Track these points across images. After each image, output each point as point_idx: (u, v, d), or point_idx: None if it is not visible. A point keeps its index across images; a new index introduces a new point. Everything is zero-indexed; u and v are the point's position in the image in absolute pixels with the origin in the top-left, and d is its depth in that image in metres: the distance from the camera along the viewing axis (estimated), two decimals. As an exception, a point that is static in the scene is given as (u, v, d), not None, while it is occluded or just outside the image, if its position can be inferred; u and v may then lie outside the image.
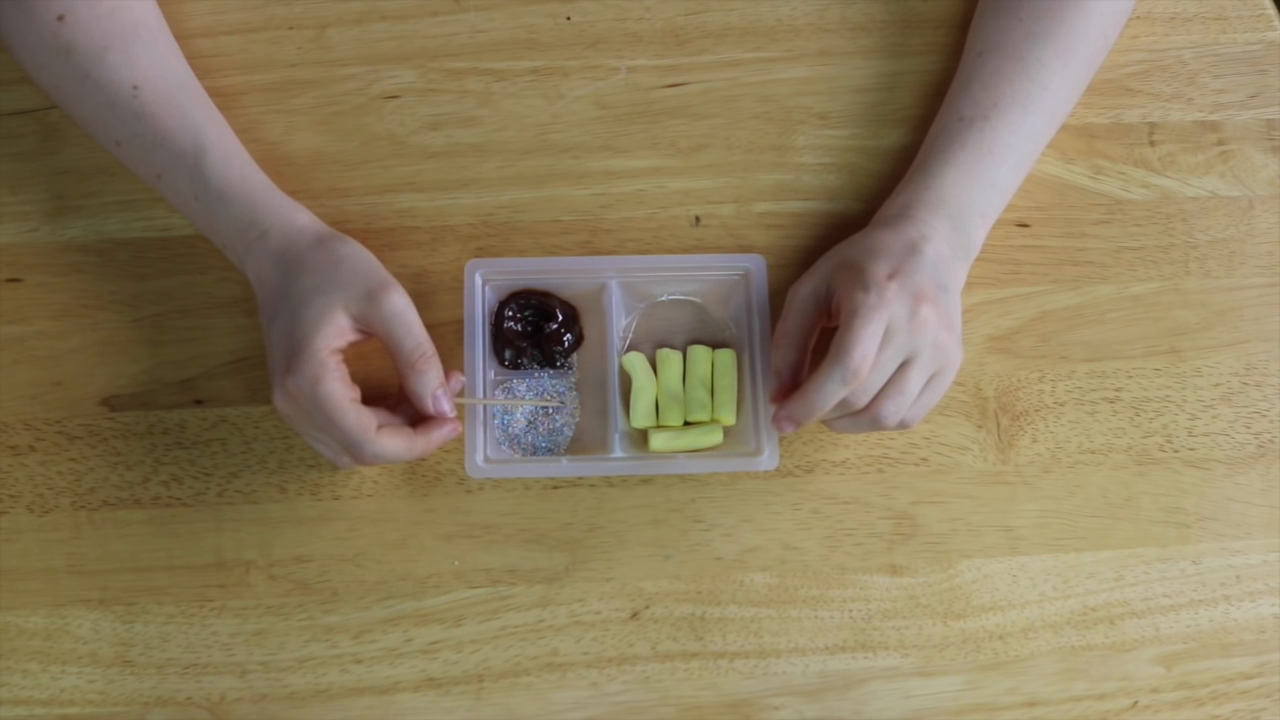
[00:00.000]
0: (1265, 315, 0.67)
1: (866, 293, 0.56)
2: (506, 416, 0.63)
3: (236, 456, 0.62)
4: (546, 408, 0.64)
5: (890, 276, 0.57)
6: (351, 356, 0.59)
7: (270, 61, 0.68)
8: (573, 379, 0.64)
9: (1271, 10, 0.73)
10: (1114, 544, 0.63)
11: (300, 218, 0.60)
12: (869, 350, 0.55)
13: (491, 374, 0.64)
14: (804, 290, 0.61)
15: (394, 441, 0.56)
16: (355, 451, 0.56)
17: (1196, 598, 0.63)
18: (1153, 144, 0.69)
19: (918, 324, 0.56)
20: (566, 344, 0.64)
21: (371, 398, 0.58)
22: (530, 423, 0.63)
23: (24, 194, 0.66)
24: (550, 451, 0.63)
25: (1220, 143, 0.70)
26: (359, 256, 0.59)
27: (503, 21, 0.70)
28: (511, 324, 0.64)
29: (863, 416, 0.57)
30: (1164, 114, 0.70)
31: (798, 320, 0.61)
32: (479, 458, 0.61)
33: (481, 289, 0.64)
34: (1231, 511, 0.64)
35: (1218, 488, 0.64)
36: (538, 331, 0.64)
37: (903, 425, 0.59)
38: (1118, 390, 0.65)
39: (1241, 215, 0.69)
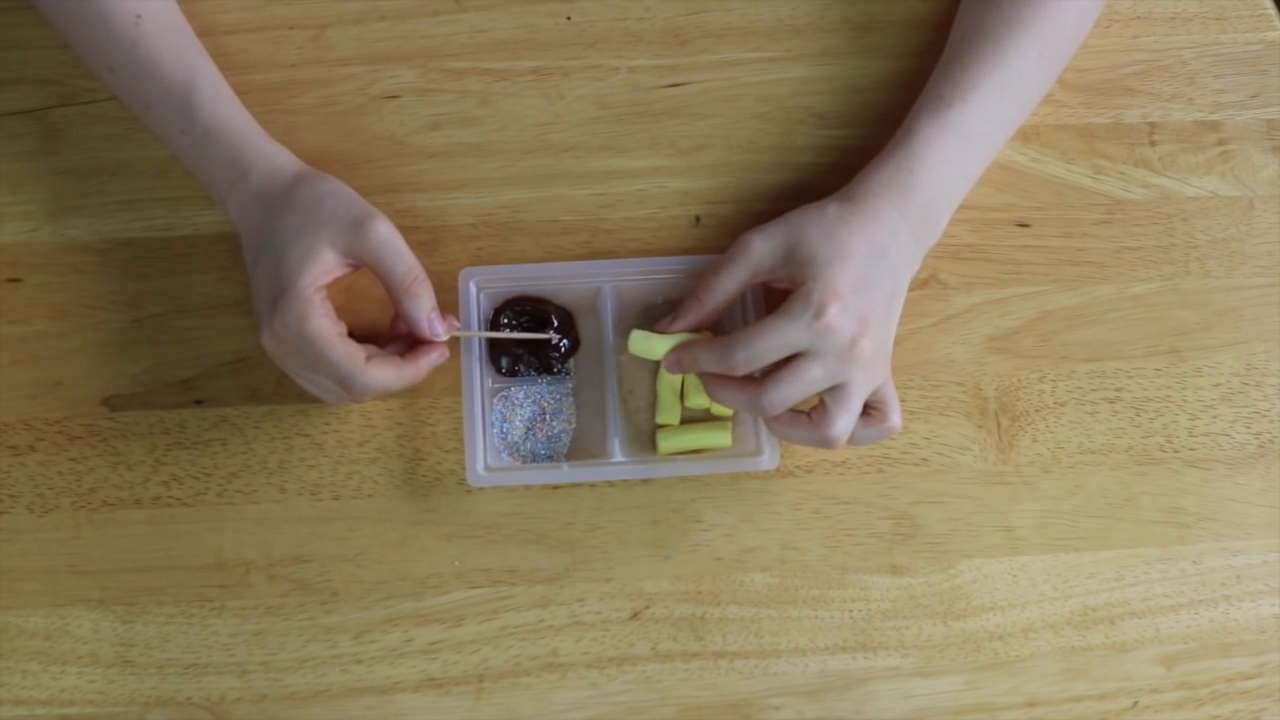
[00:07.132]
0: (1265, 315, 0.67)
1: (807, 308, 0.56)
2: (505, 424, 0.63)
3: (236, 456, 0.62)
4: (543, 411, 0.63)
5: (839, 298, 0.56)
6: (337, 307, 0.58)
7: (270, 61, 0.68)
8: (570, 385, 0.64)
9: (1271, 10, 0.73)
10: (1114, 544, 0.63)
11: (280, 157, 0.61)
12: (757, 355, 0.56)
13: (489, 382, 0.64)
14: (740, 268, 0.60)
15: (384, 371, 0.57)
16: (347, 384, 0.56)
17: (1196, 598, 0.63)
18: (1153, 144, 0.69)
19: (854, 355, 0.56)
20: (563, 350, 0.64)
21: (358, 339, 0.58)
22: (529, 429, 0.63)
23: (24, 194, 0.66)
24: (549, 458, 0.63)
25: (1220, 143, 0.70)
26: (339, 191, 0.59)
27: (503, 21, 0.70)
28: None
29: (750, 398, 0.57)
30: (1164, 114, 0.70)
31: (723, 297, 0.60)
32: (479, 466, 0.61)
33: (476, 297, 0.64)
34: (1231, 511, 0.64)
35: (1218, 488, 0.64)
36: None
37: (827, 442, 0.58)
38: (1118, 390, 0.65)
39: (1241, 215, 0.69)
